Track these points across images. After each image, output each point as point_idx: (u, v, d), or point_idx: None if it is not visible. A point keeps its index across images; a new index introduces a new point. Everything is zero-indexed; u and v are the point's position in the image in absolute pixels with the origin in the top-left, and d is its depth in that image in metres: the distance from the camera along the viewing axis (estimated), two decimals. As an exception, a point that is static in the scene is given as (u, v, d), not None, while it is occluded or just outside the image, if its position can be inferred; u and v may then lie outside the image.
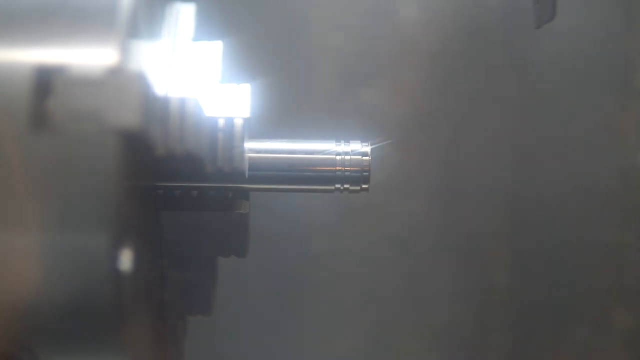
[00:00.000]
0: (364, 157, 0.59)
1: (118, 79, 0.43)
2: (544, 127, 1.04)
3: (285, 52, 1.03)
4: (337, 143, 0.59)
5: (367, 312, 1.04)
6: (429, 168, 1.04)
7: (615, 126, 1.04)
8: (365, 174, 0.59)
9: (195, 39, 0.59)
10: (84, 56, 0.44)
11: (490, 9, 1.03)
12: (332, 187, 0.59)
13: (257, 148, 0.58)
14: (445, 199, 1.04)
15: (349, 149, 0.59)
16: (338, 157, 0.59)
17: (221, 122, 0.55)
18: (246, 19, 1.03)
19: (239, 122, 0.55)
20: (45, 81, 0.43)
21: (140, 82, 0.43)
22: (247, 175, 0.57)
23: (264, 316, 1.04)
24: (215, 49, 0.58)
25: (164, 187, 0.57)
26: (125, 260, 0.44)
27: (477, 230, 1.04)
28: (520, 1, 1.02)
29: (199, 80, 0.56)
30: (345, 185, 0.59)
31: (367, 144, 0.59)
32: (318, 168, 0.59)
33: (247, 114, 0.55)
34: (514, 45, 1.03)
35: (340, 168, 0.59)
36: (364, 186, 0.59)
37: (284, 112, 1.01)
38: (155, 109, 0.47)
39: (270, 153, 0.58)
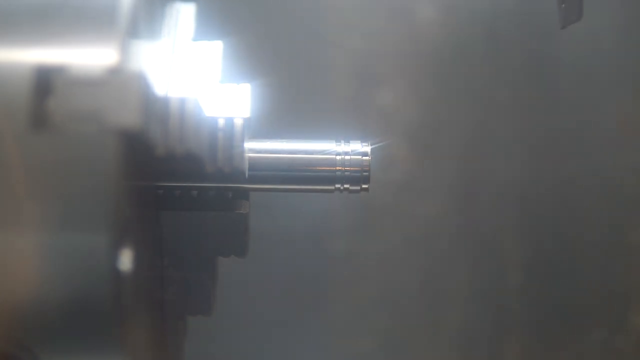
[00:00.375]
0: (364, 157, 0.59)
1: (118, 79, 0.43)
2: (561, 128, 1.04)
3: (286, 51, 1.03)
4: (337, 143, 0.59)
5: (383, 313, 1.04)
6: (444, 169, 1.04)
7: (633, 126, 1.04)
8: (365, 174, 0.59)
9: (195, 39, 0.59)
10: (84, 56, 0.44)
11: (506, 10, 1.03)
12: (332, 187, 0.59)
13: (257, 148, 0.58)
14: (461, 200, 1.04)
15: (349, 149, 0.59)
16: (338, 157, 0.58)
17: (221, 122, 0.54)
18: (247, 19, 1.03)
19: (239, 122, 0.55)
20: (45, 81, 0.43)
21: (140, 82, 0.43)
22: (247, 175, 0.57)
23: (273, 317, 1.04)
24: (215, 49, 0.58)
25: (164, 187, 0.57)
26: (125, 260, 0.44)
27: (493, 231, 1.04)
28: (537, 2, 1.02)
29: (199, 80, 0.56)
30: (345, 185, 0.59)
31: (367, 143, 0.59)
32: (318, 168, 0.59)
33: (247, 114, 0.55)
34: (529, 46, 1.03)
35: (340, 168, 0.59)
36: (364, 186, 0.59)
37: (291, 113, 1.01)
38: (155, 109, 0.47)
39: (270, 153, 0.58)
